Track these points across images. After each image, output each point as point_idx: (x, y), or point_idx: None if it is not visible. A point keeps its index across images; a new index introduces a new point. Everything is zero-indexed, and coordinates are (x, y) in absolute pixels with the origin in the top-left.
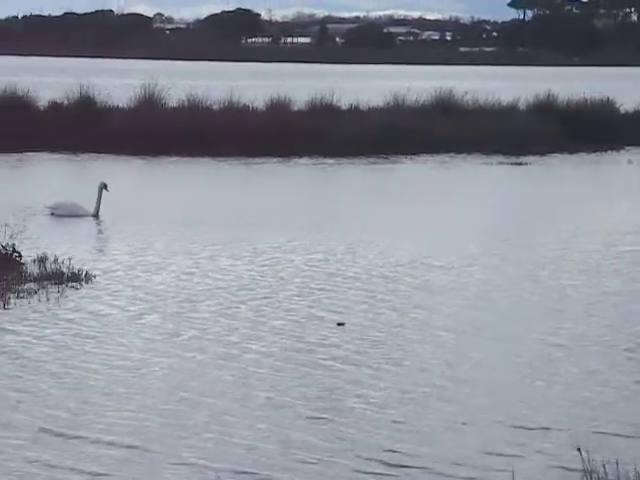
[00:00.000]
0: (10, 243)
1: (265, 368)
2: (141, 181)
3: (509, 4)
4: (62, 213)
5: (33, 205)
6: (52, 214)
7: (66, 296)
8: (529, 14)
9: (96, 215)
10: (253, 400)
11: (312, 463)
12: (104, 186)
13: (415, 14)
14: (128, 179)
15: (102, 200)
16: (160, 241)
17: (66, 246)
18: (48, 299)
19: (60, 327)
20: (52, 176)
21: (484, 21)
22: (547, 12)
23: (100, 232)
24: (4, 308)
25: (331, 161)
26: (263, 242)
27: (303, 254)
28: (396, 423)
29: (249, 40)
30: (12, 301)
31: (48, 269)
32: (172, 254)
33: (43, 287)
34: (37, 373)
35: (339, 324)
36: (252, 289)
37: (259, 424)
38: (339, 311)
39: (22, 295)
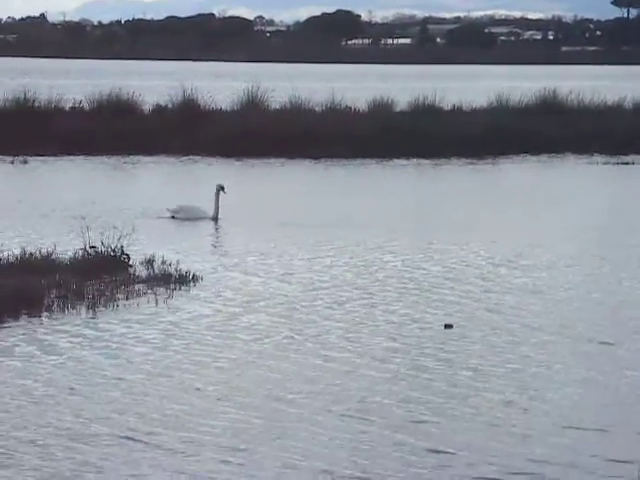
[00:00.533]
0: (119, 245)
1: (365, 369)
2: (249, 183)
3: (612, 2)
4: (183, 216)
5: (148, 208)
6: (173, 217)
7: (172, 298)
8: (633, 12)
9: (215, 218)
10: (350, 402)
11: (421, 467)
12: (221, 188)
13: (516, 14)
14: (236, 181)
15: (220, 202)
16: (270, 243)
17: (180, 248)
18: (157, 301)
19: (162, 328)
20: (160, 179)
21: (587, 20)
22: None
23: (213, 234)
24: (112, 309)
25: (433, 162)
26: (364, 243)
27: (403, 255)
28: (497, 426)
29: (349, 42)
30: (120, 302)
31: (156, 271)
32: (278, 256)
33: (150, 289)
34: (139, 373)
35: (446, 326)
36: (352, 290)
37: (357, 425)
38: (443, 312)
39: (130, 296)
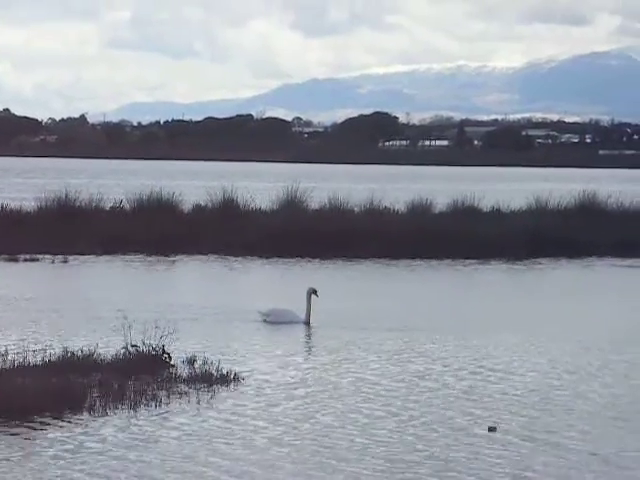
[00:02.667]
0: (160, 344)
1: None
2: (315, 284)
3: None
4: (275, 320)
5: (237, 309)
6: (265, 321)
7: (209, 398)
8: None
9: (308, 322)
10: None
11: None
12: (313, 292)
13: (554, 117)
14: (272, 282)
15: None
16: (357, 349)
17: (275, 358)
18: (198, 401)
19: (202, 429)
20: (208, 279)
21: (625, 124)
22: None
23: (306, 339)
24: (153, 408)
25: (473, 263)
26: (412, 345)
27: (450, 356)
28: None
29: (387, 143)
30: (162, 401)
31: (197, 370)
32: (353, 362)
33: (191, 388)
34: (161, 471)
35: (490, 429)
36: (397, 395)
37: None
38: (488, 415)
39: (169, 395)
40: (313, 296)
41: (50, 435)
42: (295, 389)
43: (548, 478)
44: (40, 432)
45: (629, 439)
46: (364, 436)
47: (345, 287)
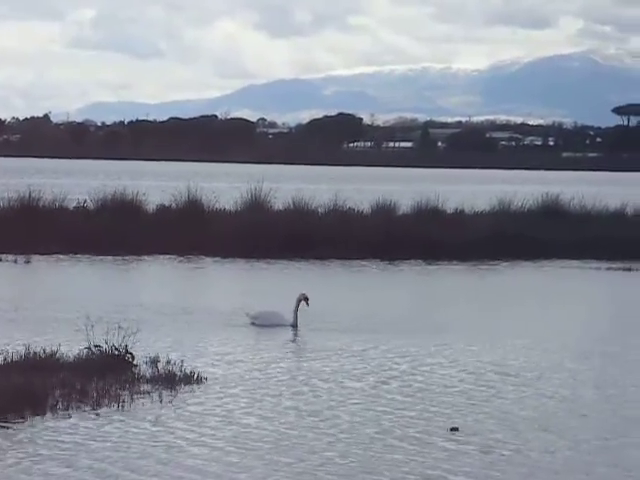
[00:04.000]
0: (123, 344)
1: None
2: (283, 284)
3: (613, 110)
4: (262, 323)
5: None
6: (253, 324)
7: (172, 398)
8: (633, 120)
9: (295, 325)
10: None
11: None
12: (305, 299)
13: (517, 119)
14: (237, 282)
15: (298, 311)
16: (284, 346)
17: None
18: (161, 400)
19: (165, 429)
20: (172, 279)
21: (587, 127)
22: None
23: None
24: (117, 407)
25: (437, 266)
26: (377, 345)
27: (409, 358)
28: None
29: (351, 144)
30: (125, 401)
31: (160, 371)
32: (284, 359)
33: (154, 388)
34: (122, 469)
35: (452, 429)
36: (355, 395)
37: None
38: (450, 415)
39: (132, 395)
40: (304, 304)
41: (10, 435)
42: (259, 390)
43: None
44: (1, 432)
45: (587, 434)
46: (324, 437)
47: (315, 288)
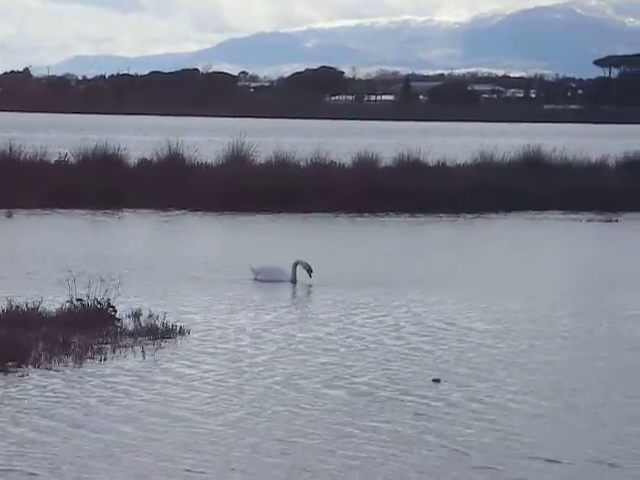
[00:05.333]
0: (105, 298)
1: (340, 424)
2: (267, 237)
3: (594, 62)
4: (264, 278)
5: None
6: (255, 279)
7: (154, 351)
8: (614, 72)
9: (294, 281)
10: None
11: None
12: (308, 270)
13: (499, 72)
14: (219, 235)
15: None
16: (271, 301)
17: (166, 301)
18: (143, 354)
19: (146, 384)
20: (154, 233)
21: (569, 79)
22: (633, 70)
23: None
24: (99, 360)
25: (419, 218)
26: (352, 299)
27: (387, 310)
28: None
29: (333, 98)
30: (108, 354)
31: (143, 324)
32: (267, 312)
33: (136, 341)
34: (99, 424)
35: (434, 380)
36: (337, 349)
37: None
38: (433, 366)
39: (114, 349)
40: (308, 273)
41: None
42: (242, 345)
43: (485, 429)
44: None
45: (576, 394)
46: (301, 392)
47: (299, 243)
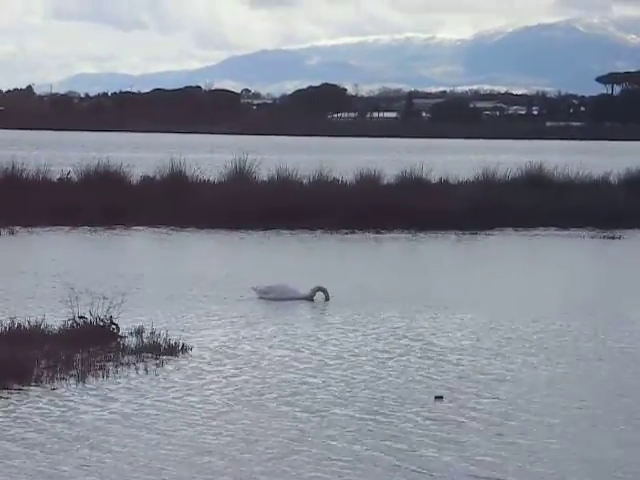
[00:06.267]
0: (108, 315)
1: (347, 438)
2: (251, 254)
3: (597, 79)
4: (274, 297)
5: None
6: (261, 298)
7: (155, 368)
8: (616, 89)
9: (311, 298)
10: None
11: None
12: (325, 295)
13: (501, 89)
14: (222, 253)
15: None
16: (276, 316)
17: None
18: (146, 371)
19: (147, 402)
20: (157, 250)
21: (571, 96)
22: (635, 87)
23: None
24: (101, 377)
25: (421, 235)
26: (356, 316)
27: (391, 326)
28: None
29: (335, 115)
30: (110, 372)
31: (145, 341)
32: (277, 329)
33: (139, 359)
34: (102, 441)
35: (437, 397)
36: (339, 367)
37: None
38: (435, 384)
39: (116, 366)
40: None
41: None
42: (244, 363)
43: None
44: None
45: (583, 412)
46: (306, 411)
47: (302, 260)
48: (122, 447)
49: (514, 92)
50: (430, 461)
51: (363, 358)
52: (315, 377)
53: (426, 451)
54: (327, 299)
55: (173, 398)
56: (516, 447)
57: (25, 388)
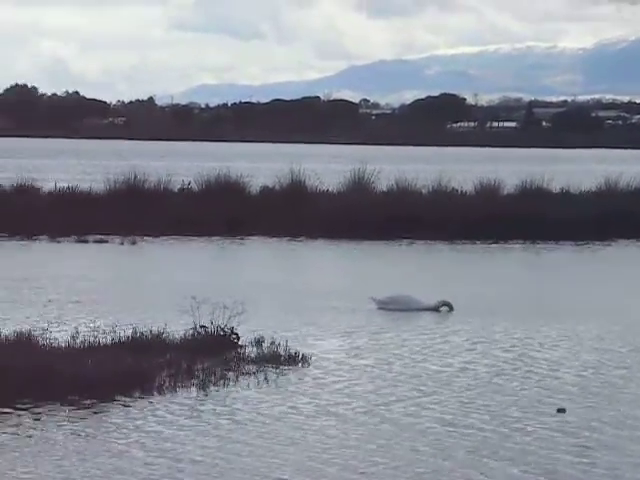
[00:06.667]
0: (229, 325)
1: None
2: (373, 266)
3: None
4: (395, 307)
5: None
6: (381, 309)
7: (275, 379)
8: None
9: (437, 309)
10: None
11: None
12: (449, 307)
13: (624, 98)
14: (340, 263)
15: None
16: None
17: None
18: (266, 381)
19: (262, 410)
20: (277, 260)
21: None
22: None
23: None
24: (222, 386)
25: (541, 245)
26: (480, 328)
27: (513, 337)
28: None
29: (454, 125)
30: (231, 381)
31: (265, 351)
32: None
33: (259, 368)
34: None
35: (559, 410)
36: (472, 376)
37: None
38: (559, 397)
39: (237, 375)
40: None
41: (119, 413)
42: (364, 374)
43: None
44: (109, 411)
45: None
46: (428, 423)
47: (423, 270)
48: (239, 454)
49: (637, 101)
50: (560, 473)
51: (484, 370)
52: (440, 389)
53: (556, 463)
54: (451, 309)
55: (291, 407)
56: None
57: (147, 396)
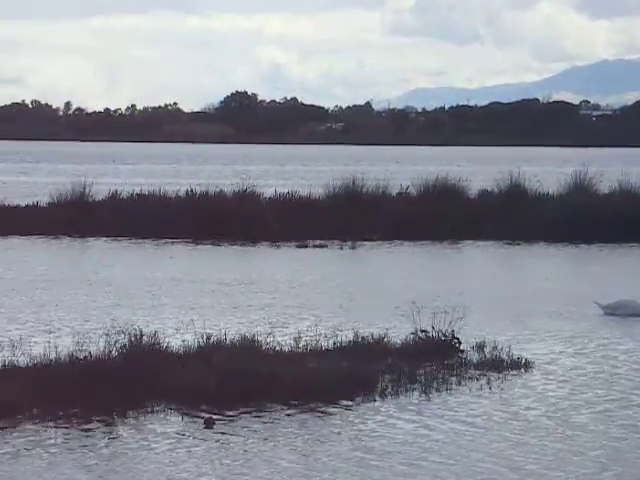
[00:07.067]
0: (450, 329)
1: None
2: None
3: None
4: (623, 313)
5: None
6: (607, 314)
7: (500, 384)
8: None
9: None
10: None
11: None
12: None
13: None
14: (565, 266)
15: None
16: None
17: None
18: (490, 387)
19: (489, 415)
20: (496, 264)
21: None
22: None
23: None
24: (445, 391)
25: None
26: None
27: None
28: None
29: None
30: (453, 386)
31: (487, 356)
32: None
33: (482, 373)
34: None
35: None
36: None
37: None
38: None
39: (460, 381)
40: None
41: (342, 418)
42: (592, 381)
43: None
44: (332, 415)
45: None
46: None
47: None
48: (469, 457)
49: None
50: None
51: None
52: None
53: None
54: None
55: (514, 413)
56: None
57: (370, 401)
